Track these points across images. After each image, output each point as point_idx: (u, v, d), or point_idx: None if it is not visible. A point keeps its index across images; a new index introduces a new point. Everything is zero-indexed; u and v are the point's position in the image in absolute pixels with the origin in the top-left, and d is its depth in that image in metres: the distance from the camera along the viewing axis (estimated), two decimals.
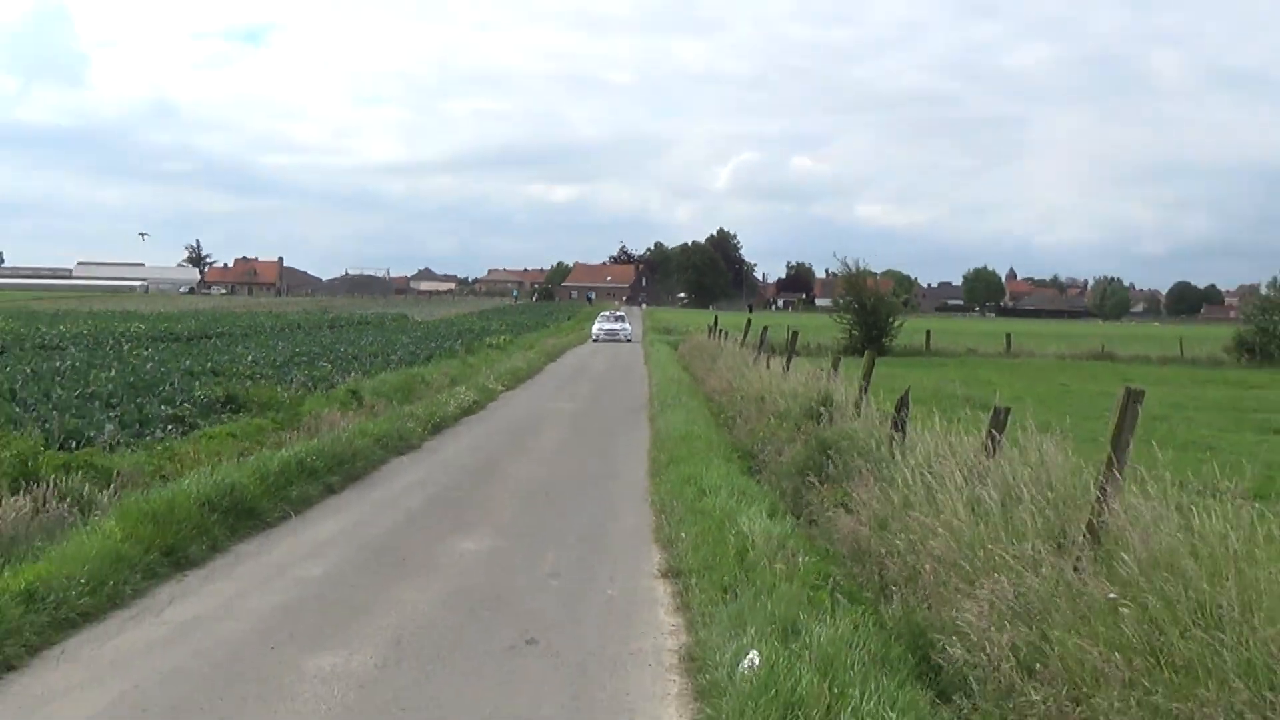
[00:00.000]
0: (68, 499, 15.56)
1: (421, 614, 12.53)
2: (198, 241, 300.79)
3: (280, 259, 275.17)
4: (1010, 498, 11.13)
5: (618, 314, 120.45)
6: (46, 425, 22.41)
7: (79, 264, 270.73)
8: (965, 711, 9.01)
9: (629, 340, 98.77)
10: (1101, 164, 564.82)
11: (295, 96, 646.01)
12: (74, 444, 21.01)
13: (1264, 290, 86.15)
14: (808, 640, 9.91)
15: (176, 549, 14.41)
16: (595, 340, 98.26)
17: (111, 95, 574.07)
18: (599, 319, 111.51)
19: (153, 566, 13.72)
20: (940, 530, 11.49)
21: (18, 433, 19.25)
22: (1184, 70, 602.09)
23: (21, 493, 15.09)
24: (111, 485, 17.01)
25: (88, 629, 11.74)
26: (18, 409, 25.55)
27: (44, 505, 14.95)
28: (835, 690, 8.63)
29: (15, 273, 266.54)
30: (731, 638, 10.51)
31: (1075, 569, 9.05)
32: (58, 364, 41.00)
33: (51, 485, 15.68)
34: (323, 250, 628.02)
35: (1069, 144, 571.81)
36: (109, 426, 23.37)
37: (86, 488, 16.39)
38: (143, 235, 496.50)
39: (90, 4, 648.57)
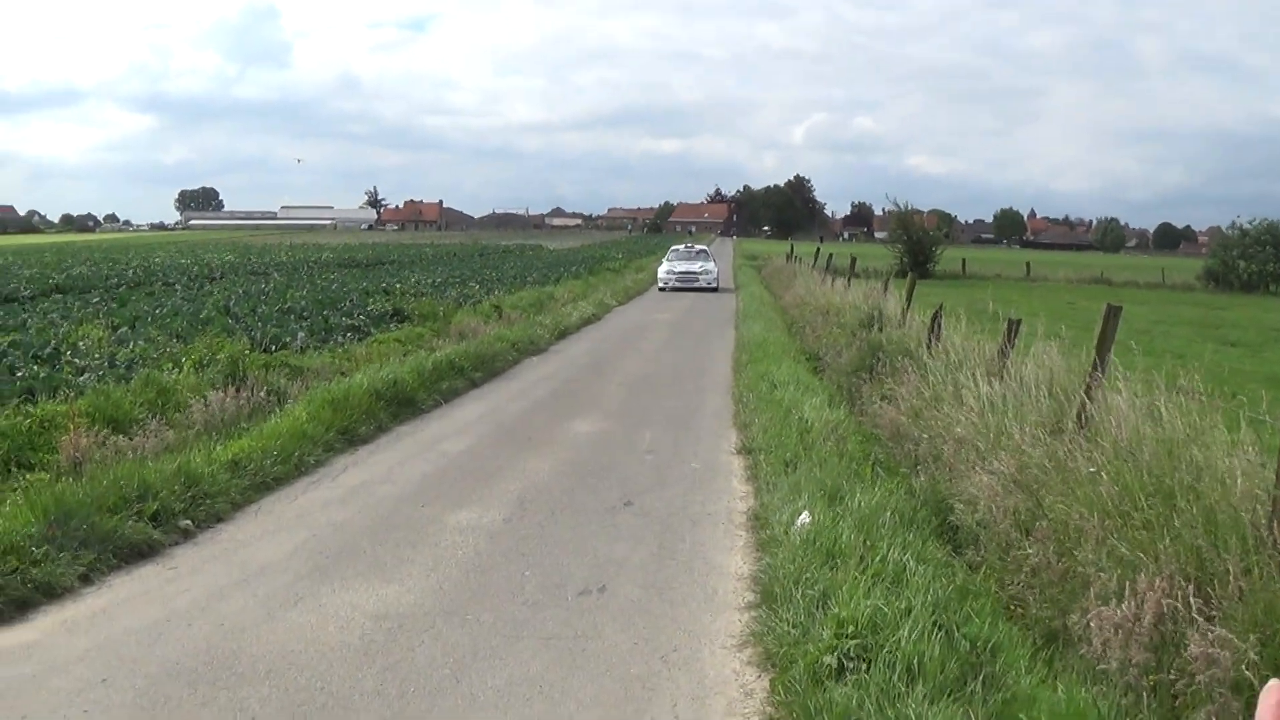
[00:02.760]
0: (267, 390, 15.81)
1: (541, 481, 12.62)
2: (375, 188, 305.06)
3: (440, 201, 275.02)
4: (1019, 391, 11.09)
5: (699, 248, 60.43)
6: (253, 333, 22.74)
7: (282, 207, 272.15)
8: (974, 562, 9.05)
9: (714, 288, 50.86)
10: (1100, 127, 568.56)
11: (452, 70, 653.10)
12: (274, 348, 21.30)
13: (1226, 231, 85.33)
14: (850, 504, 9.91)
15: (350, 429, 14.60)
16: (663, 289, 51.06)
17: (308, 74, 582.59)
18: (669, 255, 56.60)
19: (331, 443, 13.91)
20: (962, 418, 11.48)
21: (231, 339, 19.51)
22: (1163, 54, 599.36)
23: (233, 385, 15.35)
24: (301, 379, 17.28)
25: (279, 490, 11.96)
26: (231, 321, 25.90)
27: (250, 395, 15.20)
28: (869, 543, 8.64)
29: (232, 215, 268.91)
30: (789, 502, 10.52)
31: (1066, 449, 9.03)
32: (263, 286, 41.57)
33: (255, 380, 15.93)
34: (474, 193, 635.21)
35: (1075, 111, 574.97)
36: (301, 334, 23.63)
37: (282, 381, 16.66)
38: (299, 160, 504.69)
39: (292, 1, 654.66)
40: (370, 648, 7.46)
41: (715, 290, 50.25)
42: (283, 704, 6.54)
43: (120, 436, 12.65)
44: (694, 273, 51.48)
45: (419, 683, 6.88)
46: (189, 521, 10.37)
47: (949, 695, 6.08)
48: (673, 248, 61.19)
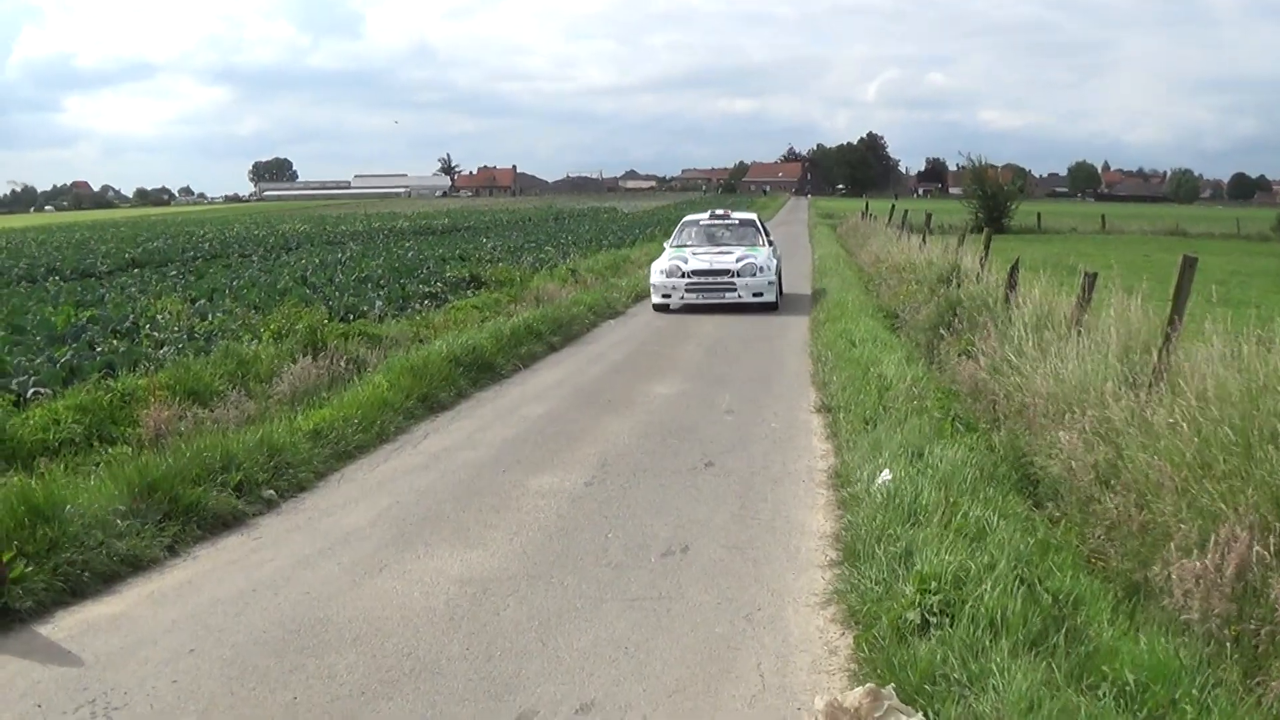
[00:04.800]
0: (346, 359, 15.96)
1: (622, 443, 12.70)
2: (448, 155, 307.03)
3: (514, 166, 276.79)
4: (1097, 344, 11.03)
5: (740, 217, 30.79)
6: (331, 303, 23.02)
7: (356, 176, 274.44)
8: (1054, 516, 9.03)
9: (769, 302, 26.06)
10: (1173, 78, 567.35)
11: (525, 36, 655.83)
12: (351, 316, 21.57)
13: None
14: (931, 461, 9.92)
15: (430, 396, 14.76)
16: (663, 304, 26.45)
17: (381, 43, 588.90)
18: (679, 232, 29.98)
19: (411, 410, 14.07)
20: (1041, 372, 11.43)
21: (309, 309, 19.70)
22: (1233, 2, 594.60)
23: (312, 355, 15.51)
24: (380, 348, 17.44)
25: (361, 458, 12.12)
26: (309, 291, 26.23)
27: (329, 364, 15.35)
28: (950, 500, 8.65)
29: (306, 185, 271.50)
30: (870, 460, 10.53)
31: (1144, 401, 8.98)
32: (339, 255, 41.99)
33: (335, 349, 16.10)
34: (548, 158, 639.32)
35: (1148, 62, 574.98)
36: (378, 303, 23.89)
37: (361, 350, 16.85)
38: (396, 122, 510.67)
39: None
40: (456, 613, 7.57)
41: (775, 306, 26.30)
42: (370, 670, 6.65)
43: (201, 408, 12.88)
44: (724, 272, 26.12)
45: (505, 646, 6.97)
46: (272, 491, 10.53)
47: (1032, 649, 6.10)
48: (687, 219, 31.60)
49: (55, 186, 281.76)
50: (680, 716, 6.06)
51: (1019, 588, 6.74)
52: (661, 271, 26.47)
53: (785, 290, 28.80)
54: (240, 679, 6.57)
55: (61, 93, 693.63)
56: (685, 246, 28.23)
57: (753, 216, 31.25)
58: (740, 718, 6.05)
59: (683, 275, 26.05)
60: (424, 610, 7.63)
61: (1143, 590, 7.14)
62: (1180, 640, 6.28)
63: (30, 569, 7.78)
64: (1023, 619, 6.37)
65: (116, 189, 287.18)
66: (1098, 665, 5.93)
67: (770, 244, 28.36)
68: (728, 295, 25.69)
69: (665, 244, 29.90)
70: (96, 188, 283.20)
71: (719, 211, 31.30)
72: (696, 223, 30.38)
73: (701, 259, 26.51)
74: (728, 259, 26.35)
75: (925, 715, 5.67)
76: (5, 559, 7.63)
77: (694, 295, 25.91)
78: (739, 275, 25.73)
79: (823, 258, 41.86)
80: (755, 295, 25.67)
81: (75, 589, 7.99)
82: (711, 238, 28.87)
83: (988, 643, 6.16)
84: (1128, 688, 5.69)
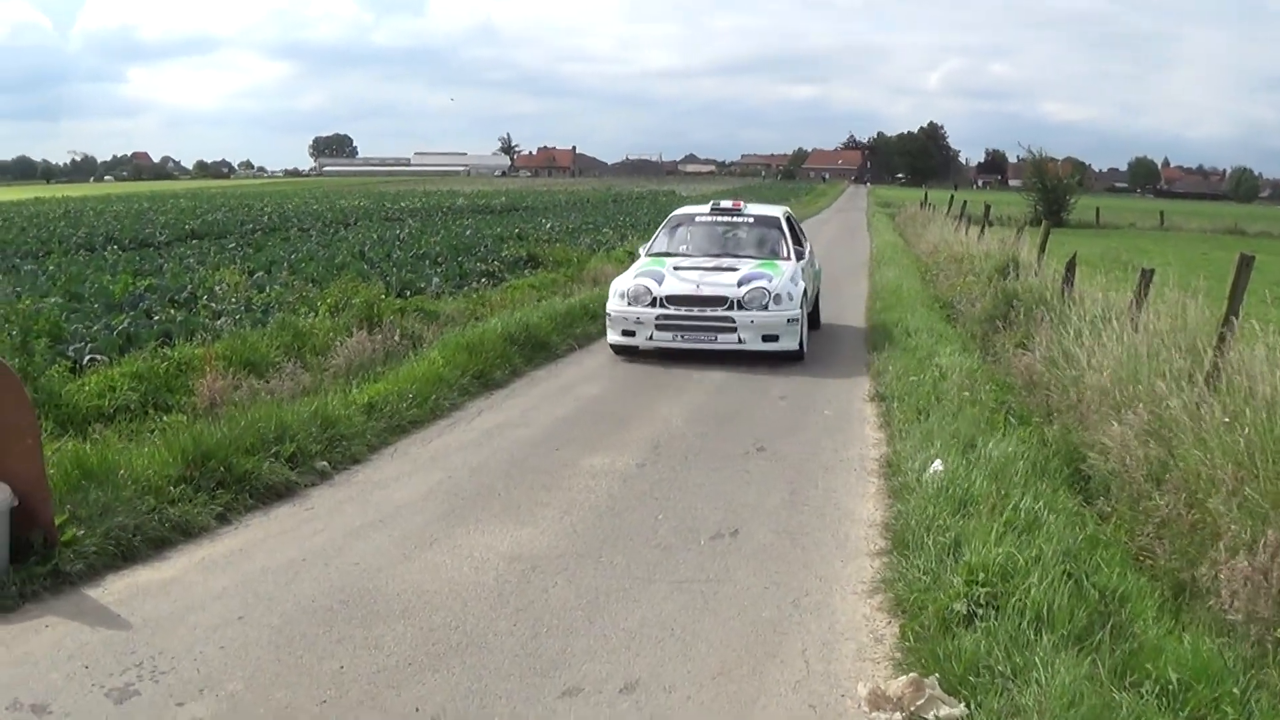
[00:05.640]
0: (402, 334, 16.05)
1: (674, 426, 12.72)
2: (508, 134, 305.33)
3: (574, 147, 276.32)
4: (1153, 341, 10.98)
5: (757, 214, 20.14)
6: (388, 278, 23.13)
7: (415, 154, 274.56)
8: (1104, 512, 9.00)
9: (790, 350, 16.56)
10: (1236, 74, 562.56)
11: (588, 17, 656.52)
12: (408, 293, 21.71)
13: None
14: (983, 452, 9.89)
15: (484, 373, 14.81)
16: (623, 343, 16.93)
17: (445, 21, 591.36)
18: (664, 233, 20.06)
19: (466, 386, 14.15)
20: (1096, 367, 11.38)
21: (366, 284, 19.79)
22: None
23: (368, 330, 15.60)
24: (436, 324, 17.53)
25: (414, 433, 12.19)
26: (366, 266, 26.34)
27: (385, 339, 15.44)
28: (1001, 492, 8.62)
29: (366, 162, 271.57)
30: (922, 449, 10.53)
31: (1198, 399, 8.94)
32: (397, 232, 42.02)
33: (390, 324, 16.19)
34: (607, 140, 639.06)
35: (1210, 57, 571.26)
36: (435, 279, 24.02)
37: (417, 326, 16.96)
38: (452, 99, 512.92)
39: None
40: (504, 588, 7.61)
41: (798, 356, 16.96)
42: (418, 642, 6.70)
43: (256, 379, 12.99)
44: (718, 300, 16.61)
45: (552, 623, 7.01)
46: (325, 463, 10.62)
47: (1077, 644, 6.09)
48: (677, 213, 21.13)
49: (115, 157, 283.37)
50: (724, 699, 6.09)
51: (1066, 582, 6.73)
52: (621, 295, 17.18)
53: (834, 284, 25.36)
54: (288, 646, 6.64)
55: (124, 64, 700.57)
56: (669, 255, 18.92)
57: (777, 214, 20.66)
58: (784, 702, 6.07)
59: (652, 302, 16.82)
60: (473, 585, 7.68)
61: (1189, 590, 7.11)
62: (1225, 641, 6.26)
63: (82, 532, 7.87)
64: (1068, 614, 6.36)
65: (176, 160, 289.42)
66: (1141, 663, 5.92)
67: (800, 256, 18.99)
68: (721, 338, 16.61)
69: (640, 249, 20.54)
70: (156, 159, 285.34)
71: (725, 203, 20.99)
72: (691, 219, 20.48)
73: (684, 277, 17.27)
74: (726, 279, 17.09)
75: (967, 706, 5.69)
76: (57, 522, 7.74)
77: (667, 335, 16.75)
78: (742, 307, 16.55)
79: (880, 246, 41.70)
80: (766, 340, 16.55)
81: (126, 553, 8.07)
82: (712, 243, 19.51)
83: (1032, 636, 6.15)
84: (1170, 687, 5.67)
